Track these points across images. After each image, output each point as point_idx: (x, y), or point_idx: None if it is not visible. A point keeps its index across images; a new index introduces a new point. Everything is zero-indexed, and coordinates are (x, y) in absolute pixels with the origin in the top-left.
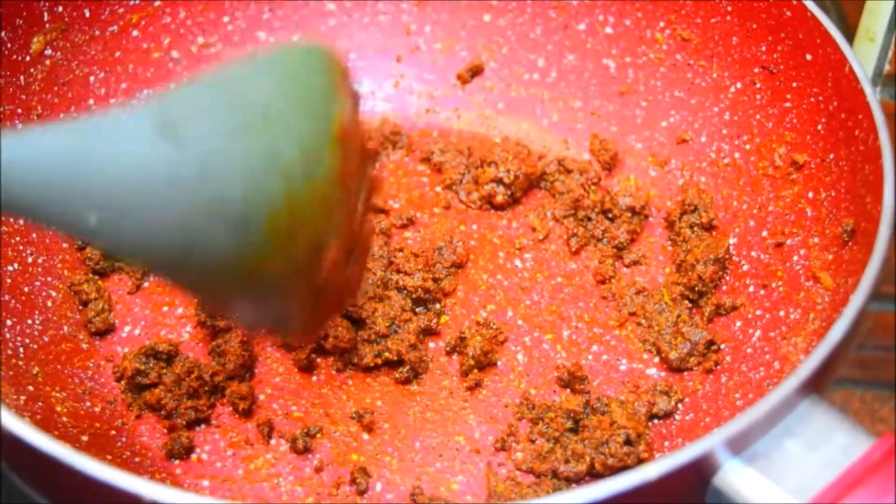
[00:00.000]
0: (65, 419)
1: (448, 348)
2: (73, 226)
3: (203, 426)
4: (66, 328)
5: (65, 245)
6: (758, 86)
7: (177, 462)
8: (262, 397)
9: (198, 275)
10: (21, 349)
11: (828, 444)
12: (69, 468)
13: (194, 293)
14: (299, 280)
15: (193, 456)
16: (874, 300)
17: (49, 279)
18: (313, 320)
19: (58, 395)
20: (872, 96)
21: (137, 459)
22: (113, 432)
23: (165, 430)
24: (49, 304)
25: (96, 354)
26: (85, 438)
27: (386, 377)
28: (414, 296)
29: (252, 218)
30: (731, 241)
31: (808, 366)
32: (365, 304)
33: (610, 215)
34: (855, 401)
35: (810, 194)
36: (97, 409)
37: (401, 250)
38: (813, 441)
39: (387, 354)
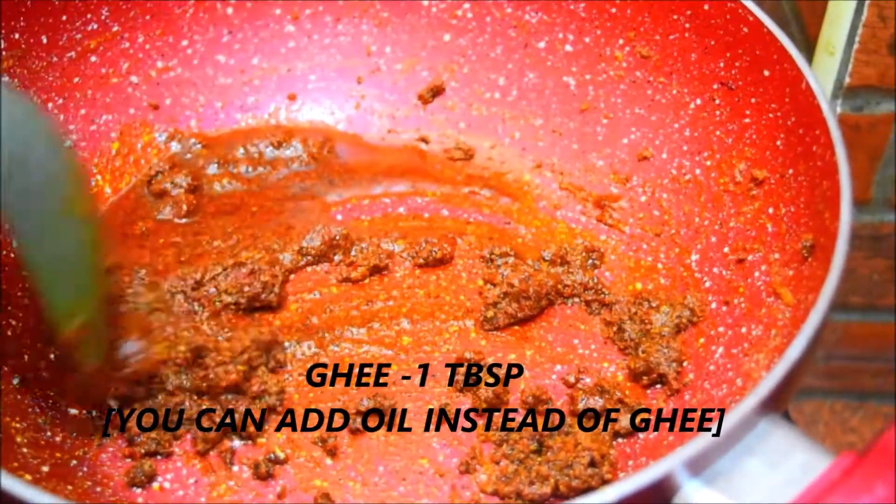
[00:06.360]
0: (25, 450)
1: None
2: None
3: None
4: (25, 357)
5: (25, 273)
6: (717, 102)
7: (139, 491)
8: None
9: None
10: None
11: (787, 462)
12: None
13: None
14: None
15: (155, 484)
16: (841, 310)
17: (9, 308)
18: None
19: (18, 425)
20: (829, 112)
21: (99, 489)
22: (74, 462)
23: (127, 459)
24: (9, 333)
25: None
26: (45, 469)
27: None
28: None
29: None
30: (694, 257)
31: (768, 384)
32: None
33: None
34: (825, 411)
35: (770, 210)
36: (58, 439)
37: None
38: (773, 459)
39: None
